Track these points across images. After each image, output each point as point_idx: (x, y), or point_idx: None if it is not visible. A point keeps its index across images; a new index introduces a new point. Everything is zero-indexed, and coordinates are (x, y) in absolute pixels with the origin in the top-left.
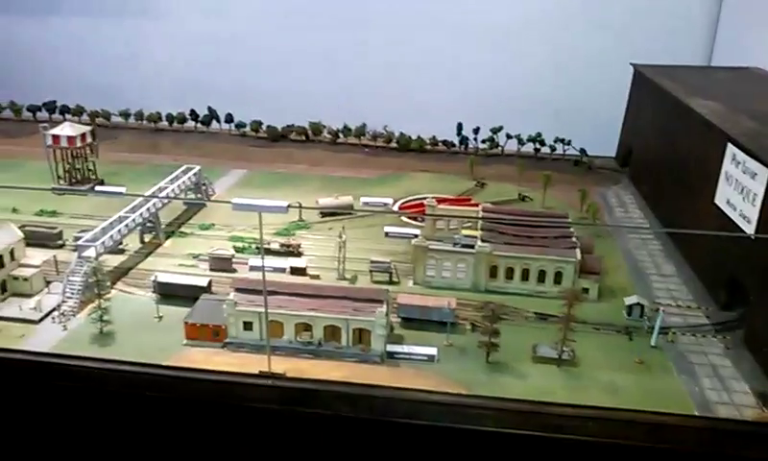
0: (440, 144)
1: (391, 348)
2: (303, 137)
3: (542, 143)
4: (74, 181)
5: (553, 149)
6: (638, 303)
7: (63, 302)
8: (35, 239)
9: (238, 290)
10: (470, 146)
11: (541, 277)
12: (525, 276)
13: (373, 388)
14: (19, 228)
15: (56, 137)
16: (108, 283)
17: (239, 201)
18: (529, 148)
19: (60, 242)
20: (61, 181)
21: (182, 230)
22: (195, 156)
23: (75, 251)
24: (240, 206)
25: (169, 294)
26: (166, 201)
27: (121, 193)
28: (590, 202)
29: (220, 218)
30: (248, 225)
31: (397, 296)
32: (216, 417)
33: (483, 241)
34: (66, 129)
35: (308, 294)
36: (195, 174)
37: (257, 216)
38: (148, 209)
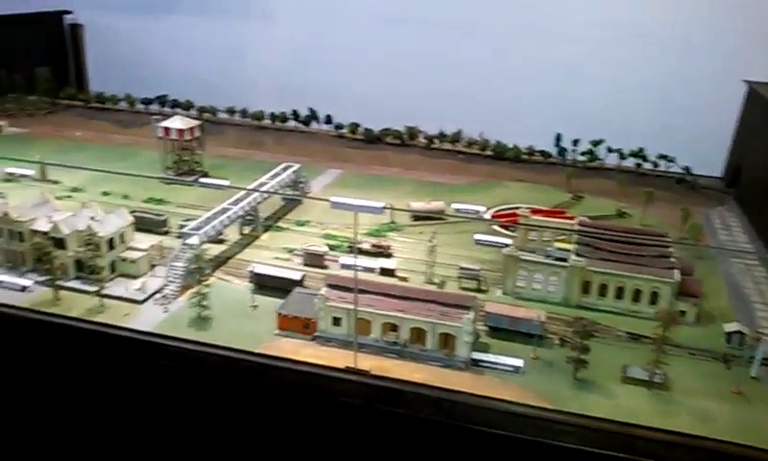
0: (536, 154)
1: (476, 355)
2: (399, 141)
3: (645, 159)
4: (181, 172)
5: (656, 165)
6: (739, 331)
7: (166, 285)
8: (143, 225)
9: (330, 286)
10: (568, 158)
11: (637, 296)
12: (619, 294)
13: (456, 393)
14: (129, 213)
15: (166, 129)
16: (208, 271)
17: (337, 199)
18: (630, 163)
19: (166, 229)
20: (170, 172)
21: (279, 224)
22: (294, 154)
23: (179, 238)
24: (338, 205)
25: (264, 285)
26: (266, 196)
27: (224, 186)
28: (693, 222)
29: (315, 215)
30: (341, 223)
31: (486, 304)
32: (300, 406)
33: (577, 255)
34: (176, 122)
35: (397, 295)
36: (294, 172)
37: (351, 216)
38: (249, 203)
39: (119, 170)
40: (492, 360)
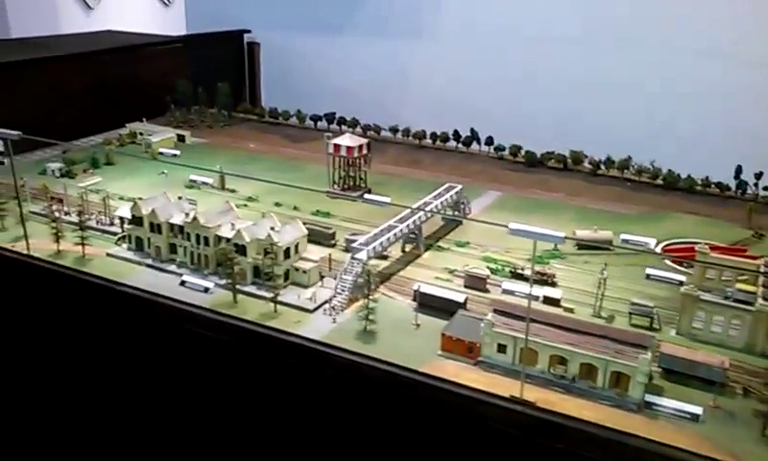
0: (712, 186)
1: (649, 397)
2: (561, 165)
3: None
4: (346, 187)
5: None
6: None
7: (334, 296)
8: (313, 236)
9: (496, 311)
10: (749, 192)
11: None
12: None
13: (628, 436)
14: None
15: (336, 146)
16: (373, 286)
17: (516, 226)
18: None
19: (333, 242)
20: (335, 186)
21: (440, 244)
22: (452, 174)
23: (346, 251)
24: (516, 232)
25: (427, 304)
26: (430, 215)
27: (387, 203)
28: None
29: (474, 237)
30: (501, 247)
31: (661, 344)
32: (458, 429)
33: (765, 299)
34: (346, 139)
35: (566, 327)
36: (456, 193)
37: (512, 240)
38: (414, 221)
39: (289, 182)
40: (667, 404)
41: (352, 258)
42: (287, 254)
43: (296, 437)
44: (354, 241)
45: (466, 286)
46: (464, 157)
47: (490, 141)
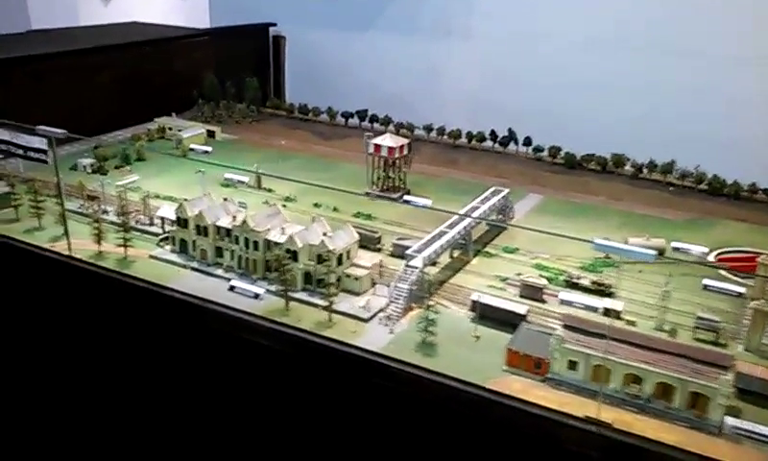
0: (760, 192)
1: (729, 420)
2: (601, 168)
3: None
4: (384, 188)
5: None
6: None
7: (389, 305)
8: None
9: (567, 326)
10: None
11: None
12: None
13: None
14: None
15: (377, 146)
16: (428, 294)
17: (601, 242)
18: None
19: (379, 246)
20: (374, 187)
21: (488, 249)
22: (488, 175)
23: (392, 255)
24: (603, 247)
25: (487, 316)
26: (480, 221)
27: (428, 207)
28: None
29: (522, 242)
30: (551, 254)
31: (737, 363)
32: (530, 450)
33: None
34: (387, 140)
35: (640, 344)
36: (504, 197)
37: (562, 246)
38: (465, 227)
39: (324, 182)
40: (750, 428)
41: (407, 265)
42: (339, 260)
43: (355, 454)
44: (404, 247)
45: (521, 296)
46: (499, 158)
47: (528, 142)
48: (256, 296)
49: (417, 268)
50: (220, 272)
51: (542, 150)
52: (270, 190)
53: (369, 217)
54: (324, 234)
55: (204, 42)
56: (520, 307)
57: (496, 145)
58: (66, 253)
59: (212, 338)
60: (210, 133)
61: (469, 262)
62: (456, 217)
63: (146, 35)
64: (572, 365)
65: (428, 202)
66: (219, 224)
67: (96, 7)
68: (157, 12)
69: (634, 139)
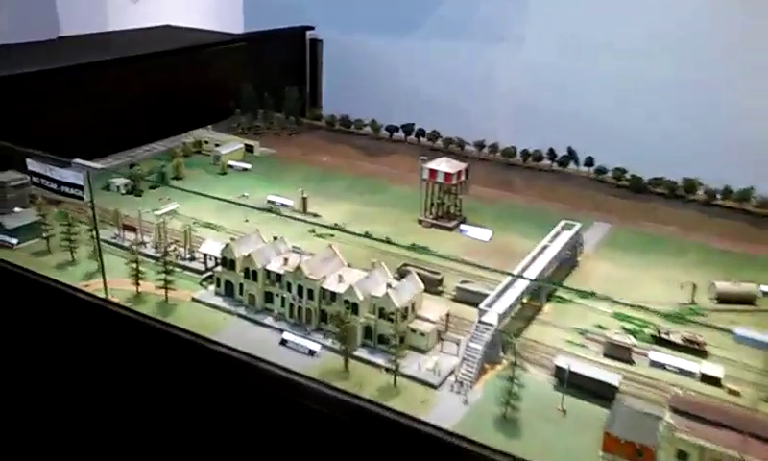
0: None
1: None
2: (670, 193)
3: None
4: (438, 215)
5: None
6: None
7: (460, 367)
8: None
9: (675, 410)
10: None
11: None
12: None
13: None
14: (401, 266)
15: (432, 172)
16: (501, 354)
17: (743, 333)
18: None
19: (441, 288)
20: (428, 214)
21: (560, 293)
22: (546, 198)
23: (454, 299)
24: (746, 340)
25: (572, 384)
26: (554, 267)
27: (487, 240)
28: None
29: (594, 284)
30: (631, 299)
31: None
32: None
33: None
34: (443, 165)
35: (760, 435)
36: (576, 233)
37: (644, 290)
38: (541, 273)
39: (373, 205)
40: None
41: (479, 322)
42: (404, 314)
43: None
44: (470, 292)
45: (605, 354)
46: (558, 178)
47: (590, 162)
48: (311, 352)
49: (492, 325)
50: (269, 320)
51: (606, 171)
52: (316, 215)
53: (425, 250)
54: (389, 286)
55: (241, 48)
56: (612, 377)
57: (554, 165)
58: (102, 295)
59: (261, 398)
60: (249, 148)
61: (541, 309)
62: (528, 259)
63: (179, 40)
64: (682, 456)
65: (488, 233)
66: (269, 268)
67: (124, 5)
68: (189, 10)
69: (705, 160)
